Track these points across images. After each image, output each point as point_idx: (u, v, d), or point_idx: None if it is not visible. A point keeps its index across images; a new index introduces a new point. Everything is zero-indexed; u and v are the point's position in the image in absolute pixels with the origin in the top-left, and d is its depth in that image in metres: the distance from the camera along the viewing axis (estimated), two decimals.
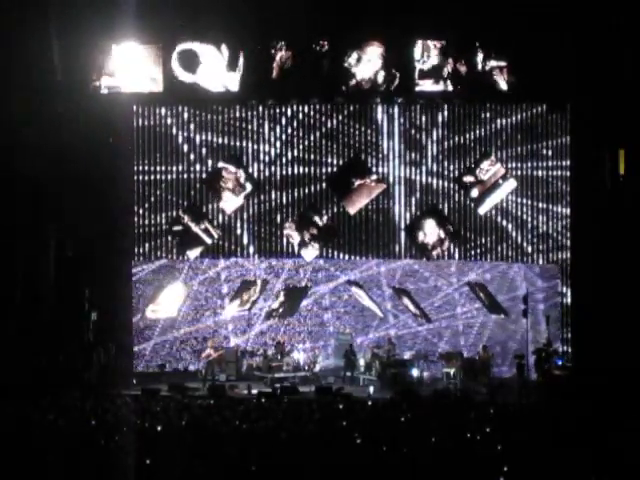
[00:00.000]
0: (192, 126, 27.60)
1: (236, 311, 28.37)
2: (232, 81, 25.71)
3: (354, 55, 25.55)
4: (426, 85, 25.67)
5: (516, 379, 25.21)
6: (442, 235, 27.62)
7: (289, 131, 27.80)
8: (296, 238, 27.87)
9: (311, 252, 28.04)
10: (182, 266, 28.04)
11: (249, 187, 27.79)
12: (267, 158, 27.82)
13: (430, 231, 27.66)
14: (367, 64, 25.59)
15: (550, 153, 26.62)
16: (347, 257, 28.16)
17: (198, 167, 27.72)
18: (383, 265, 28.27)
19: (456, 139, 27.44)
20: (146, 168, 27.49)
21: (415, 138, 27.64)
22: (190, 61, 25.53)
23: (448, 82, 25.50)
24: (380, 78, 25.64)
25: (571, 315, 26.08)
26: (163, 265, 27.88)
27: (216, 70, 25.64)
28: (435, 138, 27.55)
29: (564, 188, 26.38)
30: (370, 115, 27.69)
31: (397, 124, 27.68)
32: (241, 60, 25.55)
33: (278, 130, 27.79)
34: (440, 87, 25.62)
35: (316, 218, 27.90)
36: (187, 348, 28.03)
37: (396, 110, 27.62)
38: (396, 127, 27.69)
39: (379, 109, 27.61)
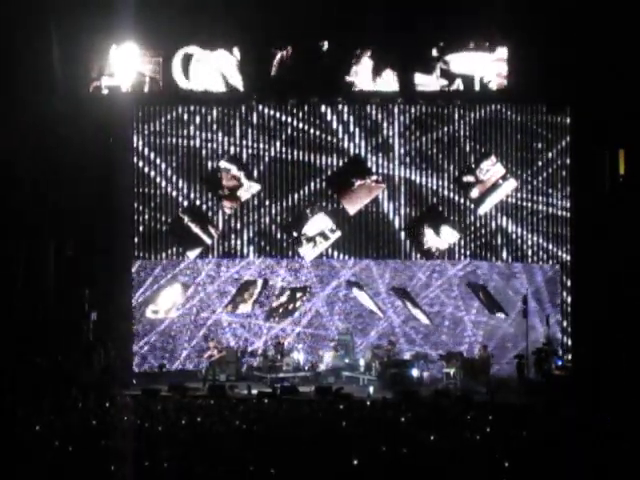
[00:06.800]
0: (192, 126, 27.62)
1: (237, 311, 28.37)
2: (232, 81, 25.82)
3: (354, 54, 25.60)
4: (425, 85, 25.69)
5: (516, 379, 25.24)
6: (442, 235, 27.63)
7: (289, 130, 27.81)
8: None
9: (311, 252, 28.06)
10: (182, 266, 28.03)
11: (249, 186, 27.83)
12: (267, 157, 27.83)
13: (430, 231, 27.67)
14: (367, 63, 25.62)
15: (550, 153, 26.61)
16: (347, 257, 28.20)
17: (198, 167, 27.75)
18: (382, 265, 28.26)
19: (456, 138, 27.45)
20: (146, 168, 27.51)
21: (414, 138, 27.65)
22: (187, 66, 25.67)
23: (447, 82, 25.55)
24: (380, 77, 25.67)
25: (571, 315, 26.10)
26: (163, 265, 27.87)
27: (214, 72, 25.75)
28: (435, 138, 27.55)
29: (564, 188, 26.38)
30: (370, 115, 27.71)
31: (397, 124, 27.68)
32: (239, 60, 25.67)
33: (278, 129, 27.81)
34: (439, 87, 25.66)
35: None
36: (187, 348, 28.01)
37: (396, 110, 27.63)
38: (396, 127, 27.72)
39: (379, 109, 27.62)
